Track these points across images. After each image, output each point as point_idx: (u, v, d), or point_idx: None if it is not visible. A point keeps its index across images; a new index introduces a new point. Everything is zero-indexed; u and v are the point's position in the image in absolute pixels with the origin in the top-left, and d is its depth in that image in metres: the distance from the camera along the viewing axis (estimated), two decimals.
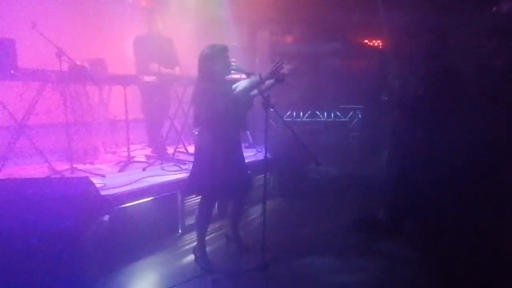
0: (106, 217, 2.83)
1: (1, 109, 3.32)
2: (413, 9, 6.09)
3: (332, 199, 4.41)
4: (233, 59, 5.97)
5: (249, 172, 3.06)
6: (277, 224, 3.63)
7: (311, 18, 5.81)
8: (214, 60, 2.69)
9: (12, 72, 3.14)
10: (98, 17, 4.82)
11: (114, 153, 4.57)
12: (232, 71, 2.87)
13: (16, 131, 3.37)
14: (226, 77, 2.82)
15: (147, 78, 4.08)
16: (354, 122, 5.89)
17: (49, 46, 3.31)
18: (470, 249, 2.76)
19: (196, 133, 3.92)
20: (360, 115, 5.87)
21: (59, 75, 3.41)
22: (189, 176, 2.93)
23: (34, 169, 3.65)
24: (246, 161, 4.41)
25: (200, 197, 2.95)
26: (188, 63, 4.78)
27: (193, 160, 2.90)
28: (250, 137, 5.48)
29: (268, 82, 2.75)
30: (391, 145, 5.56)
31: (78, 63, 3.60)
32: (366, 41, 6.36)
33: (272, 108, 2.69)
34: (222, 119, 2.65)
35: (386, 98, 6.19)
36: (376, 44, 6.45)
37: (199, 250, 2.88)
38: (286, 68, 2.63)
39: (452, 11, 5.45)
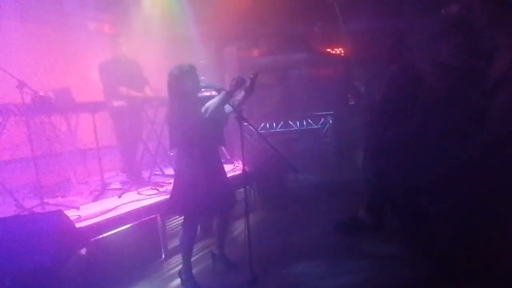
0: (83, 250, 2.71)
1: None
2: (370, 16, 6.41)
3: (313, 205, 4.46)
4: (202, 77, 6.02)
5: (231, 187, 3.04)
6: (262, 236, 3.59)
7: (275, 31, 5.96)
8: (182, 80, 2.69)
9: None
10: (60, 46, 4.71)
11: (86, 183, 4.40)
12: (202, 89, 2.87)
13: None
14: (197, 95, 2.82)
15: (116, 103, 4.01)
16: (326, 128, 6.03)
17: (9, 78, 3.19)
18: (451, 241, 2.85)
19: (172, 154, 3.87)
20: (331, 121, 6.02)
21: (22, 107, 3.28)
22: (170, 197, 2.87)
23: (1, 209, 3.44)
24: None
25: (182, 218, 2.89)
26: (157, 84, 4.75)
27: (173, 181, 2.85)
28: (226, 153, 5.47)
29: (240, 96, 2.77)
30: (364, 146, 5.73)
31: (41, 93, 3.48)
32: (329, 50, 6.59)
33: (246, 121, 2.71)
34: (198, 138, 2.64)
35: (352, 102, 6.41)
36: (339, 52, 6.70)
37: (185, 273, 2.80)
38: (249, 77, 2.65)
39: (406, 15, 5.78)
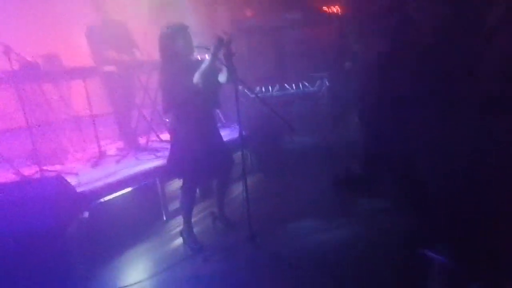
0: (86, 214, 2.77)
1: None
2: None
3: (310, 165, 4.51)
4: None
5: (229, 149, 3.06)
6: (259, 197, 3.68)
7: None
8: (174, 40, 2.60)
9: None
10: (45, 10, 4.50)
11: (83, 150, 4.40)
12: (197, 49, 2.78)
13: None
14: (190, 56, 2.74)
15: (106, 68, 3.91)
16: (322, 90, 5.96)
17: None
18: (445, 194, 2.92)
19: (167, 120, 3.84)
20: (327, 82, 5.93)
21: (10, 74, 3.20)
22: (167, 161, 2.88)
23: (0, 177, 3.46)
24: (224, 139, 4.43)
25: (181, 180, 2.92)
26: (147, 48, 4.61)
27: (170, 145, 2.84)
28: (221, 116, 5.43)
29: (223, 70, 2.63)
30: (360, 106, 5.71)
31: (29, 59, 3.38)
32: (324, 8, 6.36)
33: (241, 83, 2.67)
34: (192, 101, 2.59)
35: (349, 63, 6.29)
36: (334, 10, 6.47)
37: (186, 232, 2.89)
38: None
39: None
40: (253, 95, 5.45)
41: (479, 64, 2.07)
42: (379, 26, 5.10)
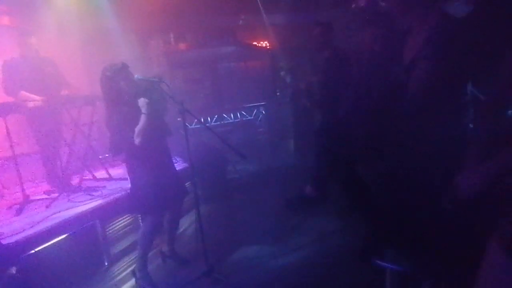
0: (13, 269, 2.40)
1: None
2: (290, 9, 6.73)
3: (256, 191, 4.59)
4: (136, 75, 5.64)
5: (182, 179, 3.06)
6: (210, 229, 3.60)
7: (200, 25, 5.89)
8: (116, 81, 2.55)
9: None
10: None
11: (2, 196, 3.86)
12: (139, 80, 2.72)
13: None
14: (133, 95, 2.66)
15: (31, 104, 3.58)
16: (259, 118, 6.19)
17: None
18: (386, 200, 3.16)
19: (101, 157, 3.62)
20: (263, 111, 6.20)
21: None
22: (130, 197, 2.81)
23: None
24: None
25: (131, 218, 2.81)
26: (78, 82, 4.34)
27: (130, 182, 2.75)
28: None
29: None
30: (295, 131, 6.04)
31: None
32: (255, 42, 6.74)
33: (189, 112, 2.68)
34: (143, 136, 2.54)
35: (278, 93, 6.70)
36: (264, 44, 6.90)
37: (141, 271, 2.71)
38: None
39: (323, 9, 6.22)
40: (193, 126, 5.42)
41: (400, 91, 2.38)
42: (309, 60, 5.58)
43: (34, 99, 3.62)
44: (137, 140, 2.49)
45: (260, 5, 6.55)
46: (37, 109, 3.62)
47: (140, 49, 5.40)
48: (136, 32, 5.29)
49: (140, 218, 3.53)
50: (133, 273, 2.74)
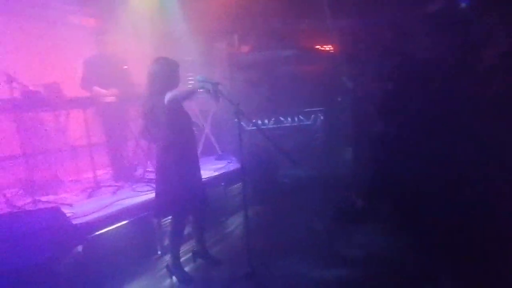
0: (80, 248, 2.68)
1: None
2: (357, 13, 6.49)
3: (306, 197, 4.52)
4: (188, 74, 5.94)
5: (204, 186, 3.09)
6: (257, 231, 3.64)
7: (264, 28, 5.97)
8: (164, 74, 2.66)
9: None
10: (47, 41, 4.58)
11: (78, 181, 4.32)
12: (199, 82, 2.85)
13: None
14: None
15: (107, 99, 3.95)
16: (317, 123, 6.09)
17: None
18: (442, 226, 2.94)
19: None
20: (322, 117, 6.08)
21: (11, 102, 3.20)
22: (155, 201, 2.87)
23: None
24: (217, 173, 4.43)
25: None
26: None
27: (155, 181, 2.84)
28: (218, 149, 5.46)
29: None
30: (355, 140, 5.82)
31: (31, 88, 3.40)
32: (318, 46, 6.64)
33: (244, 116, 2.73)
34: (178, 136, 2.66)
35: (339, 99, 6.51)
36: (328, 48, 6.76)
37: (174, 267, 2.83)
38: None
39: (393, 12, 5.89)
40: (249, 128, 5.53)
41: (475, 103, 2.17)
42: (374, 66, 5.34)
43: (106, 94, 3.98)
44: (166, 98, 2.51)
45: (326, 9, 6.44)
46: (110, 103, 3.98)
47: (206, 50, 5.65)
48: (202, 34, 5.54)
49: None
50: (167, 268, 2.87)
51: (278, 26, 6.12)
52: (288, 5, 5.81)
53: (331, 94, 6.40)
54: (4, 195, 3.25)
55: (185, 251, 3.22)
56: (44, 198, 3.48)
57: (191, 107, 5.31)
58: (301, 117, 6.06)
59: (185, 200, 2.70)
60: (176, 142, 2.66)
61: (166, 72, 2.65)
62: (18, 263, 2.07)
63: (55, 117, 4.15)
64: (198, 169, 2.92)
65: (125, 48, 4.68)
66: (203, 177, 4.13)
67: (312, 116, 6.10)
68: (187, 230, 3.40)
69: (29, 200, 3.28)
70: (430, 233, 2.75)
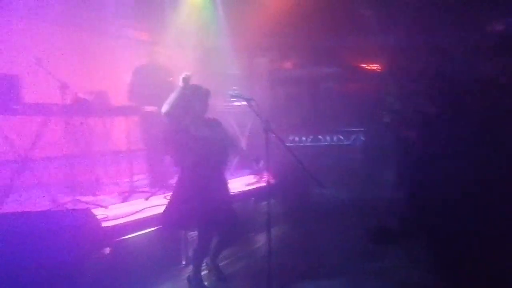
0: (107, 250, 2.77)
1: (5, 143, 3.36)
2: (410, 30, 6.24)
3: (339, 220, 4.32)
4: (234, 87, 6.05)
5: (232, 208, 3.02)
6: (283, 251, 3.54)
7: (308, 44, 5.94)
8: (193, 100, 2.75)
9: (15, 107, 3.19)
10: (101, 51, 4.96)
11: (117, 184, 4.54)
12: (232, 98, 2.89)
13: (20, 164, 3.37)
14: (203, 117, 2.84)
15: (148, 108, 4.13)
16: (357, 144, 5.87)
17: (52, 80, 3.38)
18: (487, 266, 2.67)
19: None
20: (362, 138, 5.85)
21: (62, 108, 3.46)
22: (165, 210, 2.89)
23: (36, 202, 3.61)
24: (249, 187, 4.41)
25: None
26: None
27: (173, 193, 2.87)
28: (254, 163, 5.44)
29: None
30: (397, 166, 5.52)
31: (80, 95, 3.66)
32: (363, 64, 6.46)
33: (273, 132, 2.69)
34: (200, 158, 2.69)
35: (385, 119, 6.23)
36: (374, 67, 6.55)
37: (194, 279, 2.83)
38: None
39: (450, 30, 5.57)
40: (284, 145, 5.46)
41: None
42: (424, 87, 5.05)
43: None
44: (163, 109, 2.64)
45: (373, 25, 6.27)
46: (151, 113, 4.16)
47: (246, 65, 5.75)
48: (245, 49, 5.66)
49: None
50: (188, 279, 2.87)
51: (322, 42, 6.07)
52: (334, 21, 5.75)
53: (374, 114, 6.17)
54: (49, 192, 3.48)
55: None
56: (83, 198, 3.69)
57: (229, 121, 5.42)
58: (340, 137, 5.89)
59: (207, 216, 2.71)
60: (196, 162, 2.70)
61: (196, 99, 2.77)
62: (44, 259, 2.19)
63: (102, 122, 4.44)
64: (223, 185, 2.93)
65: (171, 61, 4.91)
66: (234, 191, 4.19)
67: (353, 136, 5.91)
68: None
69: (70, 199, 3.49)
70: (473, 266, 2.49)
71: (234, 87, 5.93)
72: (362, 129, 5.88)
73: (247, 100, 2.77)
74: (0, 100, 3.13)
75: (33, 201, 3.66)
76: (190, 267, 3.28)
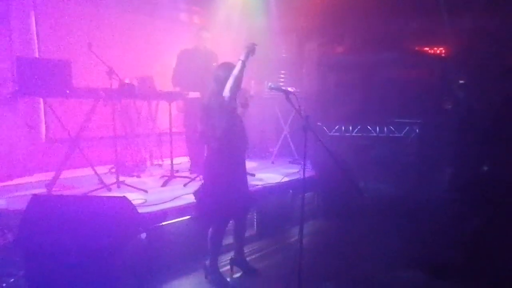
0: (143, 235, 2.87)
1: (58, 124, 3.58)
2: (485, 11, 5.46)
3: (382, 223, 4.04)
4: (282, 71, 5.86)
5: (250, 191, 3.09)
6: (317, 248, 3.43)
7: (362, 28, 5.48)
8: (225, 78, 2.68)
9: (67, 91, 3.35)
10: (150, 35, 5.03)
11: (160, 166, 4.70)
12: (271, 89, 2.76)
13: (71, 144, 3.58)
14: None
15: (192, 95, 4.13)
16: (410, 138, 5.38)
17: (101, 65, 3.49)
18: None
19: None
20: (417, 130, 5.35)
21: (109, 92, 3.57)
22: (197, 203, 2.94)
23: (86, 181, 3.84)
24: (287, 178, 4.29)
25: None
26: None
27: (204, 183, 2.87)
28: (294, 151, 5.30)
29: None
30: (455, 164, 5.01)
31: (127, 81, 3.74)
32: (425, 48, 5.83)
33: (312, 130, 2.52)
34: (231, 138, 2.68)
35: (449, 106, 5.62)
36: (437, 51, 5.89)
37: (212, 272, 2.87)
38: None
39: None
40: (332, 133, 5.21)
41: None
42: (497, 74, 4.43)
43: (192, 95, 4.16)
44: (226, 92, 2.60)
45: (442, 5, 5.59)
46: (193, 99, 4.16)
47: (296, 49, 5.49)
48: (294, 32, 5.38)
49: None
50: (204, 268, 2.89)
51: (379, 26, 5.56)
52: (393, 2, 5.21)
53: (434, 105, 5.59)
54: (97, 173, 3.66)
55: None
56: (128, 180, 3.86)
57: (273, 108, 5.28)
58: (391, 128, 5.44)
59: (228, 205, 2.72)
60: (228, 145, 2.69)
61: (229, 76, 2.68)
62: (84, 242, 2.31)
63: (148, 105, 4.55)
64: (245, 175, 2.94)
65: (218, 45, 4.83)
66: (273, 181, 4.11)
67: (406, 128, 5.42)
68: (246, 233, 3.42)
69: (114, 180, 3.66)
70: None
71: (282, 71, 5.75)
72: (417, 121, 5.36)
73: (286, 93, 2.61)
74: (54, 84, 3.30)
75: (82, 179, 3.92)
76: (221, 257, 3.32)
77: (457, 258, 3.24)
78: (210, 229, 2.86)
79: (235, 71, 2.64)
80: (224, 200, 2.70)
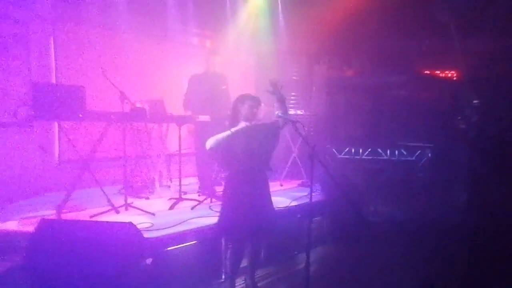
0: (149, 260, 2.86)
1: (71, 146, 3.66)
2: (497, 33, 5.44)
3: (391, 249, 3.94)
4: (292, 93, 5.89)
5: (272, 216, 2.97)
6: (324, 276, 3.34)
7: (372, 50, 5.51)
8: (243, 109, 2.78)
9: (80, 115, 3.44)
10: (162, 59, 5.15)
11: (168, 187, 4.72)
12: (278, 118, 2.78)
13: (82, 166, 3.64)
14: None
15: (201, 118, 4.18)
16: (422, 161, 5.29)
17: (114, 89, 3.57)
18: None
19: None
20: (429, 154, 5.26)
21: (121, 116, 3.65)
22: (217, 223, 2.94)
23: (96, 201, 3.88)
24: (296, 203, 4.25)
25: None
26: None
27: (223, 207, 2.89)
28: (304, 174, 5.27)
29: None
30: (468, 189, 4.89)
31: (138, 105, 3.83)
32: (436, 71, 5.81)
33: (318, 160, 2.51)
34: (243, 163, 2.72)
35: (461, 131, 5.55)
36: (448, 74, 5.86)
37: None
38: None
39: None
40: (341, 156, 5.17)
41: None
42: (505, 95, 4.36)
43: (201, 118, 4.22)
44: (207, 144, 2.69)
45: (453, 28, 5.59)
46: (204, 122, 4.20)
47: (306, 72, 5.53)
48: (304, 55, 5.44)
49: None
50: None
51: (388, 48, 5.58)
52: (404, 24, 5.23)
53: (446, 128, 5.52)
54: (106, 195, 3.70)
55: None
56: (136, 202, 3.89)
57: (283, 129, 5.28)
58: (403, 151, 5.37)
59: (245, 228, 2.72)
60: (243, 170, 2.74)
61: (245, 109, 2.78)
62: (89, 268, 2.32)
63: (159, 127, 4.63)
64: (264, 199, 2.89)
65: (228, 68, 4.91)
66: (281, 205, 4.06)
67: (418, 152, 5.35)
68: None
69: (123, 202, 3.69)
70: None
71: (293, 93, 5.79)
72: (429, 144, 5.28)
73: (293, 122, 2.63)
74: (68, 108, 3.39)
75: (92, 200, 3.96)
76: (227, 283, 3.28)
77: (470, 285, 3.12)
78: (229, 250, 2.91)
79: (219, 136, 2.70)
80: (240, 221, 2.72)
